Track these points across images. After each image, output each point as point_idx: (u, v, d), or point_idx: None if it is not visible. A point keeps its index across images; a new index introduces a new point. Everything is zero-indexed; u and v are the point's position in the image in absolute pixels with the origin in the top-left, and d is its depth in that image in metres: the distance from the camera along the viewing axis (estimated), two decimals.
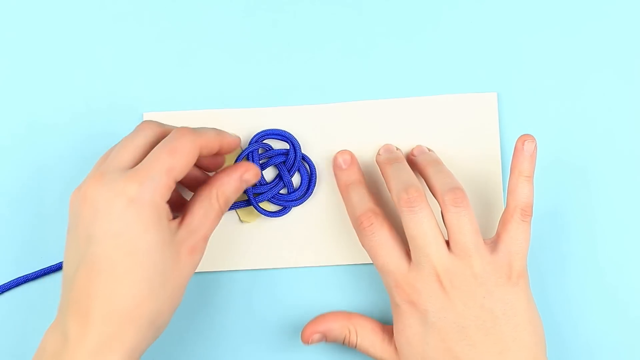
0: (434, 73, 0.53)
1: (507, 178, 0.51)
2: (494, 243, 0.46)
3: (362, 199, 0.48)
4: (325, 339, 0.48)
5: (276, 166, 0.52)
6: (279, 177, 0.51)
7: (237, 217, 0.52)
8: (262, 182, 0.51)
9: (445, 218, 0.46)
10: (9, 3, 0.54)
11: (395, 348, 0.47)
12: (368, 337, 0.48)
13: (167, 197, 0.42)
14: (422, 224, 0.45)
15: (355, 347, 0.48)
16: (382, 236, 0.46)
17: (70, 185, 0.46)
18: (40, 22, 0.54)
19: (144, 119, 0.52)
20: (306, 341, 0.48)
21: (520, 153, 0.47)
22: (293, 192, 0.51)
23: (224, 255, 0.52)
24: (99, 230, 0.41)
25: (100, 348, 0.40)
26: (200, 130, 0.45)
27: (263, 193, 0.51)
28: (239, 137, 0.48)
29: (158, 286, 0.41)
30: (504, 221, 0.47)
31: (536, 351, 0.45)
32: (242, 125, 0.52)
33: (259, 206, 0.51)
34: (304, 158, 0.51)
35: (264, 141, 0.51)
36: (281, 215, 0.51)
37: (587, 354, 0.51)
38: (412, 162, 0.50)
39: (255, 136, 0.51)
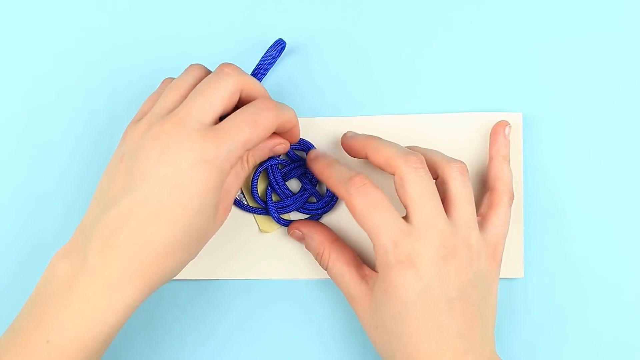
0: (459, 90, 0.52)
1: (529, 197, 0.52)
2: (480, 223, 0.47)
3: (348, 169, 0.47)
4: (304, 242, 0.50)
5: (298, 178, 0.51)
6: (303, 188, 0.51)
7: (257, 227, 0.52)
8: (287, 195, 0.51)
9: (452, 185, 0.46)
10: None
11: (367, 289, 0.46)
12: (340, 267, 0.47)
13: (235, 165, 0.43)
14: (427, 187, 0.45)
15: (326, 269, 0.48)
16: (378, 195, 0.45)
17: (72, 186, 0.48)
18: (54, 26, 0.53)
19: None
20: (289, 232, 0.50)
21: (502, 138, 0.50)
22: (320, 200, 0.51)
23: (243, 264, 0.52)
24: (162, 175, 0.41)
25: (119, 282, 0.41)
26: (283, 108, 0.45)
27: (289, 205, 0.51)
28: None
29: (193, 241, 0.43)
30: (492, 203, 0.48)
31: (491, 333, 0.46)
32: None
33: (280, 218, 0.51)
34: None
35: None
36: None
37: (591, 350, 0.52)
38: (348, 146, 0.49)
39: None
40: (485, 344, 0.45)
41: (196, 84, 0.44)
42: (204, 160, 0.41)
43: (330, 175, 0.47)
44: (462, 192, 0.46)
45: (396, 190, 0.45)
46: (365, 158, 0.48)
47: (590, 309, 0.52)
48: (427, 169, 0.45)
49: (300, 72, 0.53)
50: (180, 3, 0.53)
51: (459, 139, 0.52)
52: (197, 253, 0.44)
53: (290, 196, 0.51)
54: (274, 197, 0.51)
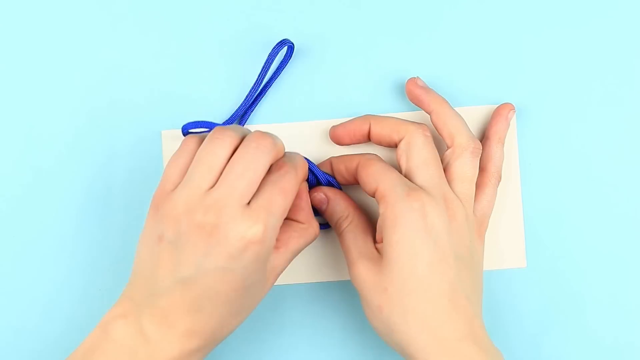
0: (452, 84, 0.53)
1: (526, 187, 0.52)
2: None
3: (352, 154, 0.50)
4: (327, 205, 0.49)
5: None
6: None
7: None
8: None
9: (459, 162, 0.47)
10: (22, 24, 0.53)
11: (378, 256, 0.46)
12: (357, 232, 0.48)
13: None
14: (434, 153, 0.47)
15: (341, 233, 0.48)
16: (384, 164, 0.47)
17: (89, 203, 0.48)
18: (55, 42, 0.53)
19: (163, 137, 0.52)
20: (312, 193, 0.50)
21: (504, 120, 0.50)
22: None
23: None
24: (212, 265, 0.41)
25: (179, 357, 0.42)
26: (297, 164, 0.45)
27: None
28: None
29: (246, 311, 0.44)
30: (481, 183, 0.49)
31: (480, 303, 0.46)
32: None
33: None
34: (329, 180, 0.50)
35: None
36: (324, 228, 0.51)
37: (594, 339, 0.52)
38: (416, 97, 0.50)
39: None
40: (481, 316, 0.45)
41: (229, 156, 0.43)
42: (253, 243, 0.41)
43: (343, 157, 0.49)
44: (469, 170, 0.47)
45: (399, 157, 0.47)
46: (366, 135, 0.49)
47: (594, 297, 0.52)
48: (432, 137, 0.47)
49: (300, 73, 0.52)
50: (185, 11, 0.53)
51: None
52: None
53: None
54: None
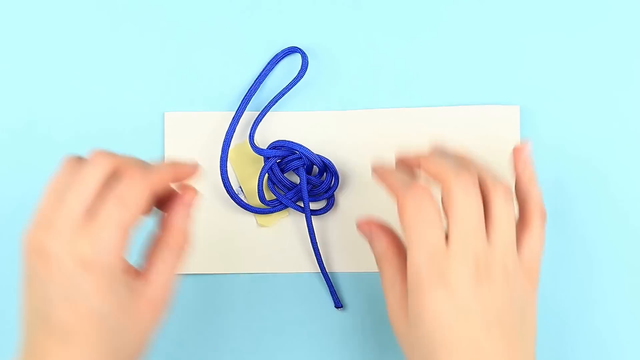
0: (457, 84, 0.53)
1: None
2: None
3: (411, 177, 0.45)
4: (372, 239, 0.46)
5: (296, 172, 0.51)
6: (300, 179, 0.51)
7: (255, 222, 0.52)
8: (289, 187, 0.51)
9: (494, 208, 0.43)
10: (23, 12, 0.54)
11: (406, 305, 0.44)
12: (394, 279, 0.45)
13: (123, 250, 0.40)
14: (472, 206, 0.43)
15: (379, 271, 0.46)
16: (432, 206, 0.43)
17: None
18: (59, 26, 0.53)
19: (165, 119, 0.52)
20: (362, 223, 0.47)
21: (525, 159, 0.47)
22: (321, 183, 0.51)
23: (241, 258, 0.52)
24: (54, 293, 0.39)
25: None
26: (152, 167, 0.41)
27: (297, 194, 0.51)
28: (196, 165, 0.44)
29: (118, 346, 0.40)
30: (526, 225, 0.46)
31: (532, 352, 0.44)
32: (263, 127, 0.52)
33: (297, 205, 0.51)
34: (324, 162, 0.50)
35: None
36: (324, 213, 0.51)
37: (595, 345, 0.52)
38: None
39: (268, 149, 0.50)
40: None
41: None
42: (85, 263, 0.38)
43: (392, 177, 0.45)
44: (503, 216, 0.44)
45: (442, 202, 0.44)
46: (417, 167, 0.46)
47: (594, 298, 0.52)
48: (478, 188, 0.44)
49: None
50: (198, 10, 0.53)
51: (456, 132, 0.52)
52: (137, 352, 0.42)
53: (294, 187, 0.51)
54: (267, 194, 0.52)
